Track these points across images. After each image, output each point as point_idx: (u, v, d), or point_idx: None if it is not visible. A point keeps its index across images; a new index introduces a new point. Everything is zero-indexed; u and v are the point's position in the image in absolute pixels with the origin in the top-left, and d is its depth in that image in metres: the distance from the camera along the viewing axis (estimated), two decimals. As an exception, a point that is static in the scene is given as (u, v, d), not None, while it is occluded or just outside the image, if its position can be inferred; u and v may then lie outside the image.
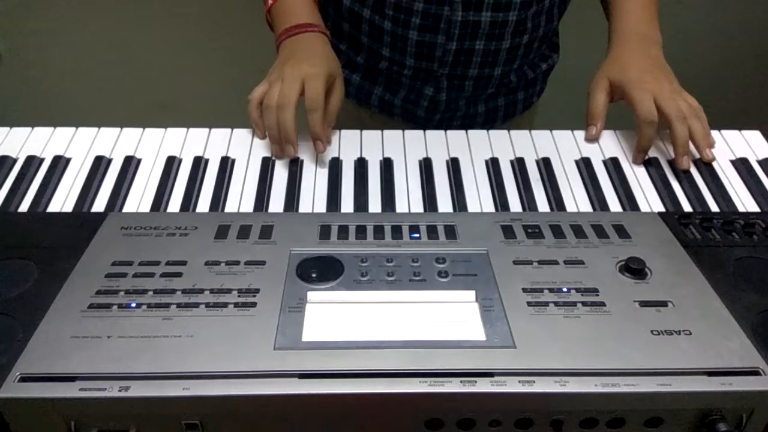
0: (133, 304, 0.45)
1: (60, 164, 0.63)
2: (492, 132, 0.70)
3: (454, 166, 0.65)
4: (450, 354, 0.42)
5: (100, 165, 0.63)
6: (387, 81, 0.84)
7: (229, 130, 0.69)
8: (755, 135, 0.71)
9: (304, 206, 0.60)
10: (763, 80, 1.91)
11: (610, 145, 0.69)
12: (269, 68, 0.70)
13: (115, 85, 1.82)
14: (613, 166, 0.66)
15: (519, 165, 0.65)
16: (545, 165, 0.65)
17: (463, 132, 0.70)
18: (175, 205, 0.59)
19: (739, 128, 0.72)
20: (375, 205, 0.60)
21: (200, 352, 0.42)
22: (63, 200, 0.60)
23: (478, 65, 0.79)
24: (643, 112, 0.66)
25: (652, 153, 0.68)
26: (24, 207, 0.59)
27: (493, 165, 0.65)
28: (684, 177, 0.65)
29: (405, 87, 0.83)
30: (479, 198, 0.61)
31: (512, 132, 0.71)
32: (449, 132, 0.70)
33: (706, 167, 0.66)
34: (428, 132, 0.70)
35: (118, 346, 0.42)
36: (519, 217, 0.55)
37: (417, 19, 0.75)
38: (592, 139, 0.70)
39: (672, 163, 0.67)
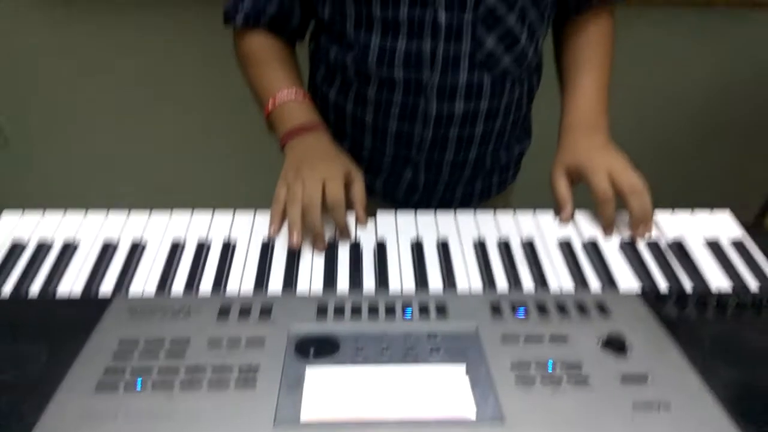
0: (139, 385, 0.47)
1: (69, 250, 0.67)
2: (479, 215, 0.75)
3: (443, 248, 0.69)
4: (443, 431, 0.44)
5: (107, 251, 0.67)
6: (369, 164, 0.90)
7: (231, 215, 0.73)
8: (725, 216, 0.76)
9: (302, 286, 0.63)
10: (732, 161, 2.00)
11: (588, 226, 0.74)
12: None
13: (122, 167, 1.87)
14: (591, 247, 0.70)
15: (505, 247, 0.69)
16: (529, 246, 0.69)
17: (451, 213, 0.75)
18: (179, 286, 0.62)
19: (710, 208, 0.77)
20: (369, 283, 0.63)
21: None
22: (71, 284, 0.62)
23: (453, 151, 0.85)
24: (600, 193, 0.72)
25: (627, 234, 0.73)
26: (34, 291, 0.61)
27: (480, 247, 0.69)
28: (659, 257, 0.69)
29: (385, 171, 0.89)
30: (468, 277, 0.65)
31: (497, 215, 0.75)
32: (439, 214, 0.75)
33: (680, 249, 0.70)
34: (419, 213, 0.75)
35: (125, 427, 0.44)
36: (506, 296, 0.59)
37: (396, 110, 0.81)
38: (566, 221, 0.75)
39: (648, 245, 0.71)
